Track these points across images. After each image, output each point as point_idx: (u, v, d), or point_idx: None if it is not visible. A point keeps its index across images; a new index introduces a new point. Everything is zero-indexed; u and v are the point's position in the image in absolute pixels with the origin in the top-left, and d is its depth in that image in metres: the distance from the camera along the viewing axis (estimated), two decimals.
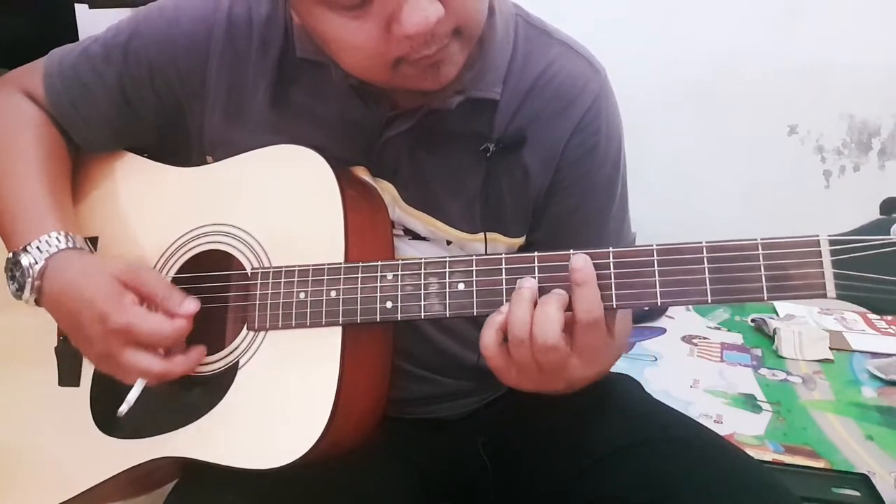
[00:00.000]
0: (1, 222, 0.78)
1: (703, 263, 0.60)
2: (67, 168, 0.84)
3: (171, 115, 0.83)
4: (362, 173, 0.78)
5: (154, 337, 0.69)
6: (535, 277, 0.64)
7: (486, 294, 0.65)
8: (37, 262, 0.72)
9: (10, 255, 0.74)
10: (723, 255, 0.60)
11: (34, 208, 0.77)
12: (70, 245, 0.74)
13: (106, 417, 0.77)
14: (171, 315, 0.70)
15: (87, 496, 0.76)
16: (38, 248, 0.73)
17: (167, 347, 0.70)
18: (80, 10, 1.62)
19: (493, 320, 0.64)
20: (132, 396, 0.71)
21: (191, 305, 0.71)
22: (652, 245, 0.61)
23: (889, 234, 0.56)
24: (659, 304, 0.61)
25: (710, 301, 0.60)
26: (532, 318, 0.62)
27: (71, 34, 1.58)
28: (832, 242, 0.57)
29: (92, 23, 1.57)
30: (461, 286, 0.66)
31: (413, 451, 0.87)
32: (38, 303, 0.74)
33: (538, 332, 0.61)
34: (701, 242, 0.60)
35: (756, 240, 0.59)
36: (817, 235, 0.57)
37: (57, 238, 0.74)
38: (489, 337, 0.64)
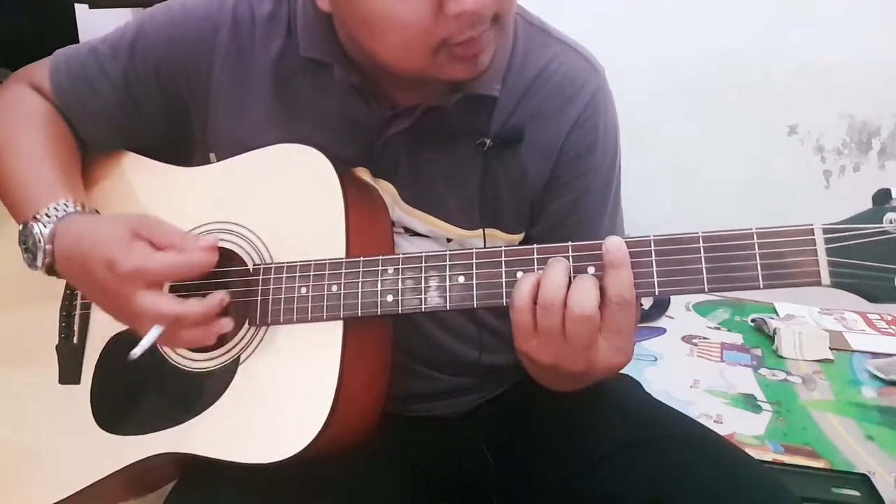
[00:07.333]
0: (11, 200, 0.79)
1: (700, 253, 0.60)
2: (75, 154, 0.84)
3: (175, 113, 0.83)
4: (362, 174, 0.79)
5: (163, 271, 0.68)
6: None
7: (486, 287, 0.66)
8: (46, 227, 0.72)
9: (21, 226, 0.74)
10: (719, 244, 0.60)
11: (42, 180, 0.77)
12: (79, 210, 0.74)
13: (106, 415, 0.77)
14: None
15: (88, 493, 0.76)
16: (46, 214, 0.73)
17: (182, 279, 0.70)
18: (80, 10, 1.63)
19: (527, 276, 0.63)
20: (146, 341, 0.67)
21: (207, 240, 0.70)
22: (649, 236, 0.62)
23: (882, 224, 0.56)
24: (657, 293, 0.61)
25: (706, 290, 0.60)
26: (568, 286, 0.61)
27: (71, 34, 1.59)
28: (826, 231, 0.58)
29: (92, 23, 1.57)
30: (461, 279, 0.66)
31: (414, 450, 0.88)
32: (53, 269, 0.73)
33: (575, 300, 0.60)
34: (697, 232, 0.61)
35: (751, 229, 0.59)
36: (811, 224, 0.58)
37: (65, 204, 0.74)
38: (524, 289, 0.62)
